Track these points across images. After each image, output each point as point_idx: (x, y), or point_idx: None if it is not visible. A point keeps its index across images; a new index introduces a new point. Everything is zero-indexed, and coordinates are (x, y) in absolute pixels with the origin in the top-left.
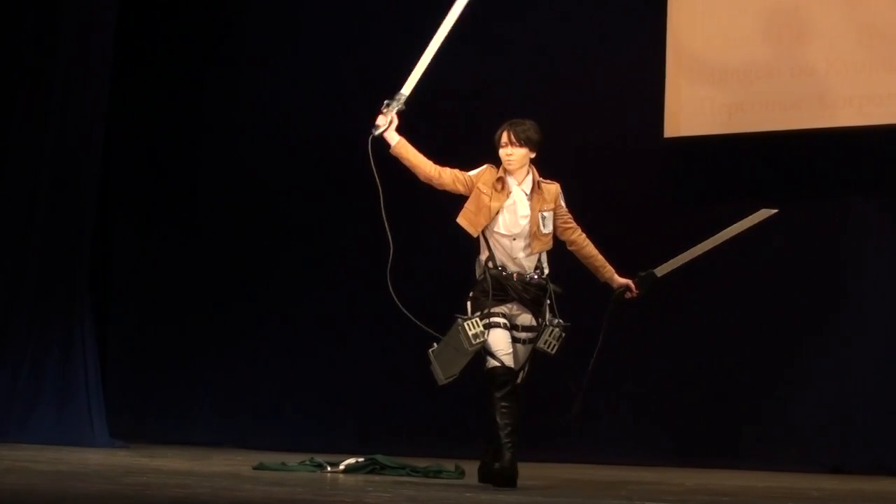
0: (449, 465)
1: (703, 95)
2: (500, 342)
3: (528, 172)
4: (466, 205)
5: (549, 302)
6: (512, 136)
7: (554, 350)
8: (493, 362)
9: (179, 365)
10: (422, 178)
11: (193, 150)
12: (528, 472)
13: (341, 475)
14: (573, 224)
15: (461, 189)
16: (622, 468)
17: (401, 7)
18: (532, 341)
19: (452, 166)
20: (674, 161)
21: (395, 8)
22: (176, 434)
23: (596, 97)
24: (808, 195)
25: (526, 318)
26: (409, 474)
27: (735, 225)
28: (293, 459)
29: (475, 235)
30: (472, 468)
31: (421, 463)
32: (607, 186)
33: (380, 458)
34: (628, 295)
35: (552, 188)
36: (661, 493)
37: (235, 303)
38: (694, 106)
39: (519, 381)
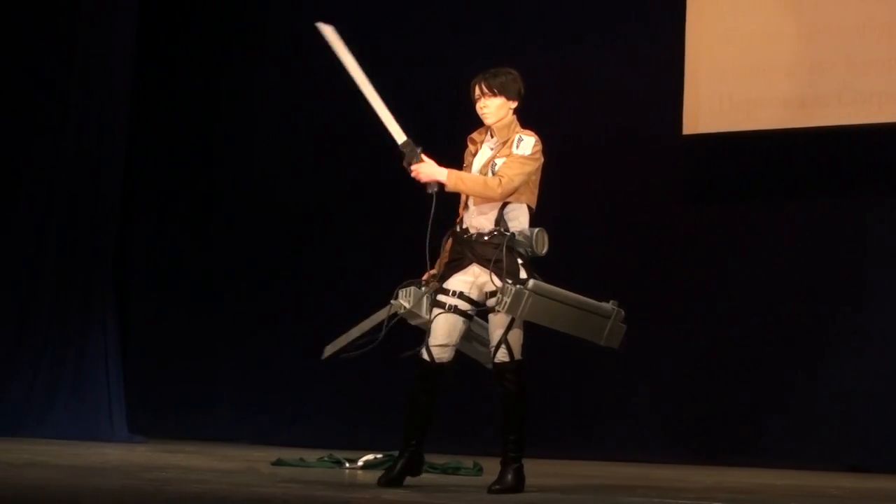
0: (467, 461)
1: (722, 92)
2: (436, 329)
3: (511, 127)
4: None
5: (521, 262)
6: (483, 87)
7: (504, 308)
8: (422, 353)
9: (198, 360)
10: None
11: (211, 146)
12: (546, 469)
13: (360, 471)
14: (501, 173)
15: None
16: (640, 466)
17: (417, 5)
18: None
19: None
20: (693, 158)
21: (412, 6)
22: (195, 430)
23: (615, 94)
24: (827, 193)
25: (495, 281)
26: (427, 470)
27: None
28: (312, 455)
29: (465, 206)
30: (490, 465)
31: (439, 460)
32: (626, 183)
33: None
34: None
35: (518, 135)
36: (680, 490)
37: (254, 298)
38: (713, 103)
39: (502, 358)
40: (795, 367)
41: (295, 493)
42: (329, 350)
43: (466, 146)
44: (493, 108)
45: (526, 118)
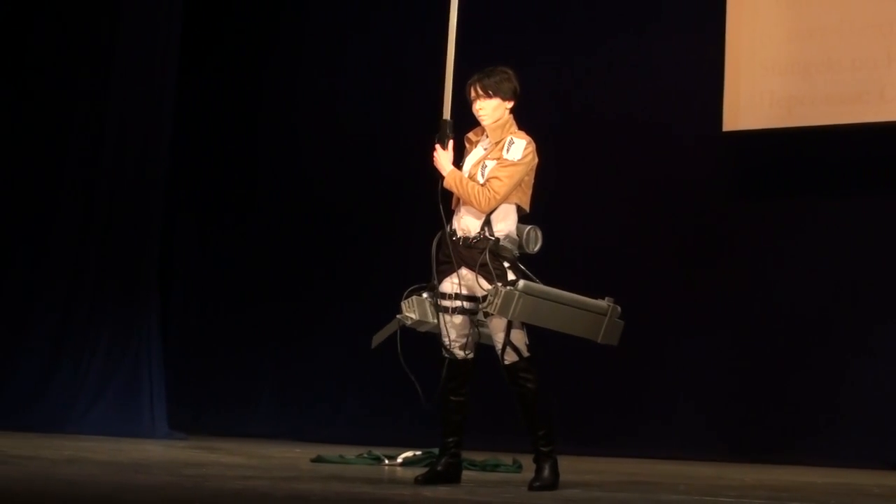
0: (506, 458)
1: (762, 89)
2: (444, 332)
3: (505, 128)
4: None
5: (507, 265)
6: (479, 88)
7: (495, 311)
8: (444, 352)
9: (238, 357)
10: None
11: (253, 147)
12: (587, 466)
13: (399, 468)
14: (490, 185)
15: None
16: (680, 463)
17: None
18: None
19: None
20: (733, 155)
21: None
22: (235, 426)
23: (655, 90)
24: (869, 190)
25: (483, 285)
26: (466, 468)
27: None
28: (351, 452)
29: (455, 211)
30: (529, 462)
31: (479, 457)
32: (666, 180)
33: (437, 451)
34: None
35: (510, 137)
36: (720, 488)
37: (295, 295)
38: (753, 99)
39: (508, 361)
40: (837, 365)
41: (334, 490)
42: (377, 339)
43: (464, 146)
44: (489, 109)
45: (566, 113)
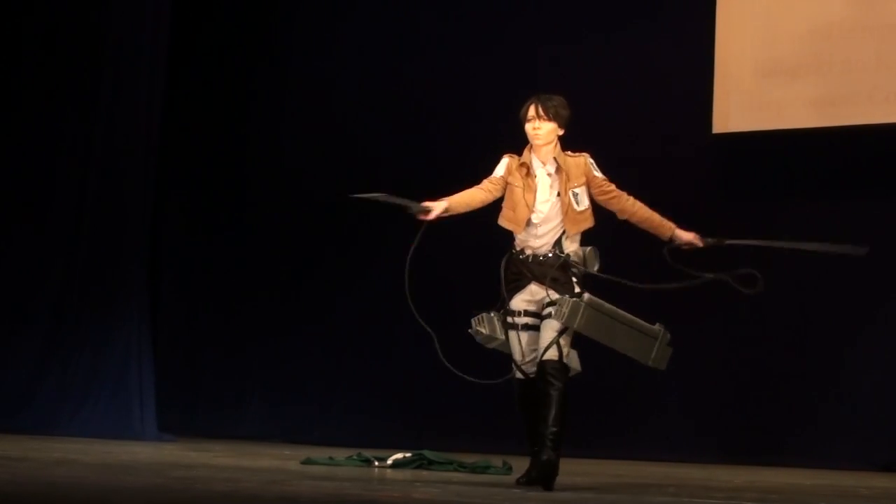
0: (496, 460)
1: (752, 91)
2: (515, 349)
3: (554, 150)
4: (504, 204)
5: (574, 280)
6: (540, 110)
7: (563, 319)
8: (515, 372)
9: (228, 359)
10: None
11: (242, 147)
12: (577, 468)
13: (389, 470)
14: (615, 191)
15: (499, 194)
16: (670, 465)
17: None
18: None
19: (495, 156)
20: (723, 157)
21: (439, 4)
22: (224, 428)
23: (645, 93)
24: (858, 192)
25: (552, 295)
26: (456, 469)
27: (823, 245)
28: (341, 454)
29: (520, 233)
30: (519, 464)
31: (468, 458)
32: (656, 182)
33: (427, 453)
34: (686, 247)
35: (579, 161)
36: (710, 490)
37: (284, 297)
38: (743, 102)
39: (549, 356)
40: (827, 367)
41: (324, 492)
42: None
43: (508, 163)
44: (545, 131)
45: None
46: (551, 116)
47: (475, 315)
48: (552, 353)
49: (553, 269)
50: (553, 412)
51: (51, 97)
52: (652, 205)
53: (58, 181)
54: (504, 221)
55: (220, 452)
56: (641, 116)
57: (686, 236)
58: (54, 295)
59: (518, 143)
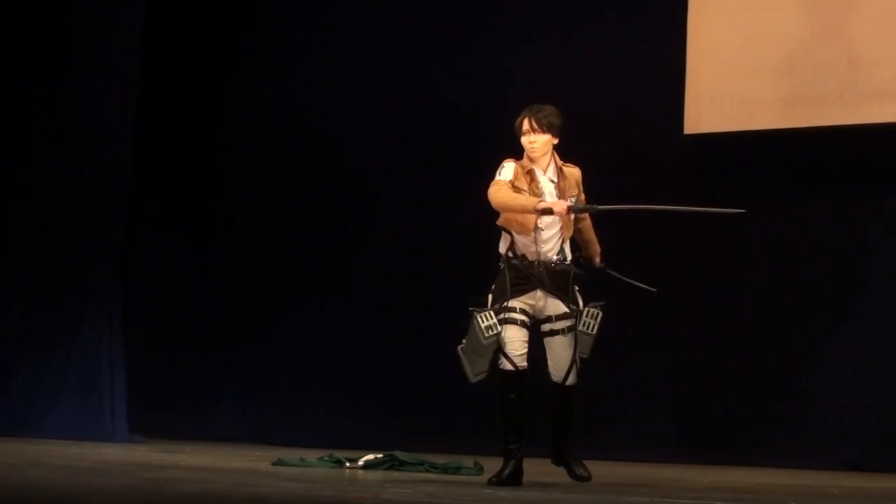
0: (468, 461)
1: (723, 92)
2: (513, 341)
3: (550, 159)
4: None
5: (576, 287)
6: (534, 123)
7: (594, 331)
8: (505, 364)
9: (199, 361)
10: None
11: (216, 152)
12: (548, 468)
13: (360, 471)
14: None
15: None
16: (642, 466)
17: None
18: (572, 329)
19: (471, 157)
20: (694, 158)
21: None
22: (195, 430)
23: (617, 93)
24: (828, 192)
25: (557, 306)
26: (427, 470)
27: (700, 209)
28: (312, 455)
29: (530, 235)
30: (490, 465)
31: (440, 459)
32: (627, 183)
33: (399, 454)
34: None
35: (575, 172)
36: (681, 490)
37: (256, 300)
38: (715, 102)
39: (571, 381)
40: (797, 367)
41: (295, 493)
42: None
43: (515, 168)
44: (541, 143)
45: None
46: (545, 128)
47: (475, 313)
48: (573, 378)
49: (565, 280)
50: (570, 426)
51: (22, 98)
52: (623, 205)
53: (29, 182)
54: (510, 224)
55: (190, 454)
56: (613, 117)
57: (599, 263)
58: (25, 296)
59: (495, 140)
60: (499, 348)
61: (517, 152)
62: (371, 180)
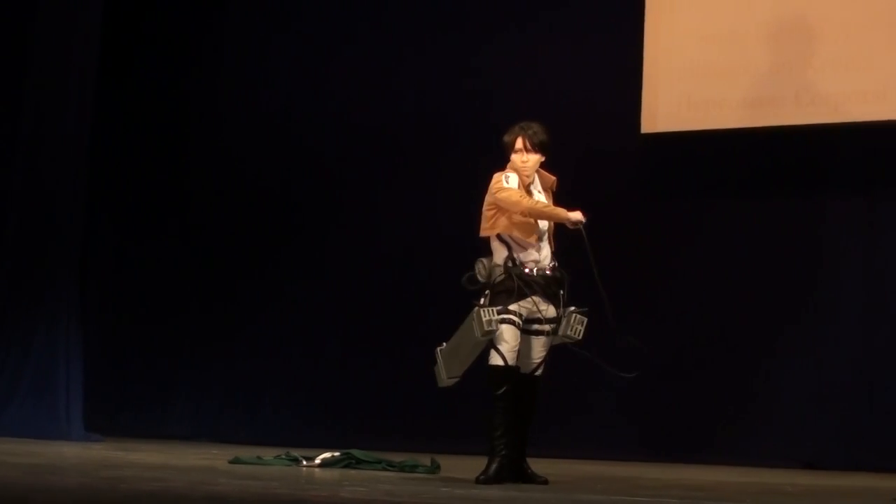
0: (425, 459)
1: (680, 91)
2: (509, 338)
3: (535, 173)
4: (510, 216)
5: (561, 292)
6: (527, 143)
7: (580, 335)
8: (497, 359)
9: (156, 359)
10: None
11: (174, 152)
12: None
13: (317, 469)
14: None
15: None
16: (599, 463)
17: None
18: (553, 332)
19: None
20: (651, 157)
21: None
22: (152, 428)
23: (573, 93)
24: (784, 192)
25: (550, 311)
26: (384, 468)
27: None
28: (269, 453)
29: (533, 243)
30: (447, 463)
31: (397, 457)
32: (584, 182)
33: (356, 452)
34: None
35: (551, 181)
36: (637, 488)
37: (213, 298)
38: (671, 102)
39: (539, 373)
40: (752, 366)
41: (252, 491)
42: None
43: (518, 180)
44: (533, 162)
45: (483, 114)
46: (537, 148)
47: (478, 307)
48: (542, 370)
49: (558, 286)
50: (530, 419)
51: None
52: (581, 204)
53: None
54: (517, 233)
55: (147, 452)
56: (570, 116)
57: None
58: None
59: (457, 135)
60: (491, 345)
61: (476, 146)
62: (330, 180)
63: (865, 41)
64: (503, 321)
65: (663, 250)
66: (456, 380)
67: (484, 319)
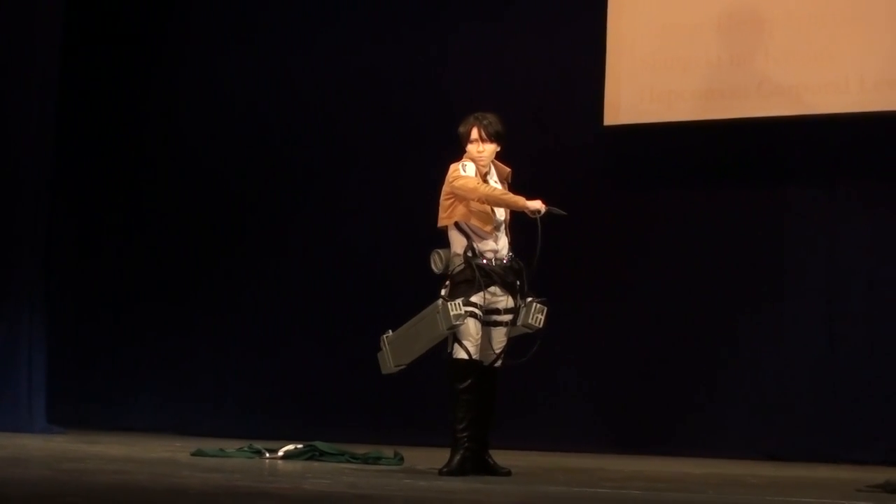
0: (388, 451)
1: (643, 84)
2: (473, 332)
3: (491, 163)
4: (464, 206)
5: (518, 282)
6: (483, 133)
7: (541, 324)
8: (460, 353)
9: (119, 351)
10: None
11: (137, 145)
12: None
13: (280, 461)
14: None
15: None
16: (561, 455)
17: None
18: (512, 322)
19: (393, 148)
20: (614, 149)
21: None
22: (114, 420)
23: (536, 85)
24: (746, 184)
25: (508, 301)
26: (348, 461)
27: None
28: (232, 446)
29: (490, 233)
30: (410, 455)
31: (360, 449)
32: (547, 173)
33: (319, 444)
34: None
35: (506, 172)
36: (600, 479)
37: (175, 290)
38: (634, 94)
39: (498, 364)
40: (714, 357)
41: (215, 483)
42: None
43: (476, 168)
44: (489, 152)
45: (444, 106)
46: (493, 137)
47: (444, 301)
48: (501, 361)
49: (516, 276)
50: (492, 409)
51: None
52: (543, 195)
53: None
54: (475, 222)
55: (109, 444)
56: (533, 108)
57: None
58: None
59: (418, 132)
60: (454, 338)
61: (437, 138)
62: (289, 174)
63: (827, 33)
64: (468, 314)
65: (626, 242)
66: (402, 368)
67: (452, 313)
